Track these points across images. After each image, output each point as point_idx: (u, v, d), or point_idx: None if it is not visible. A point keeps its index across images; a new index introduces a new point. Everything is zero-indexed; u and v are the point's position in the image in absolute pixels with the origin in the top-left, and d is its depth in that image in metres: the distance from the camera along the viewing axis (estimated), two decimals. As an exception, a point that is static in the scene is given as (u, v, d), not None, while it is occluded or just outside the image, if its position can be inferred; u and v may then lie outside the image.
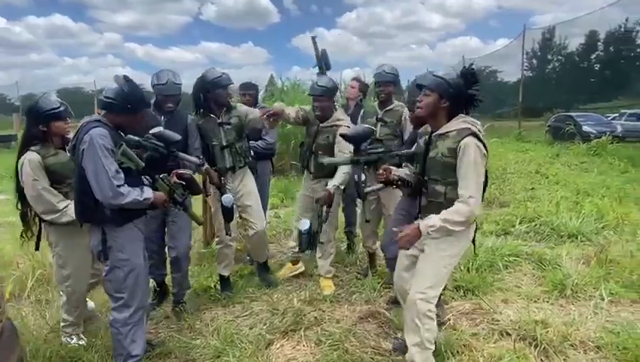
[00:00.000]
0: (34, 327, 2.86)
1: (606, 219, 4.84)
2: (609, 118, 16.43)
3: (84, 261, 2.64)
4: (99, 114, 2.19)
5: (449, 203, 2.09)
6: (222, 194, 3.09)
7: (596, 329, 2.71)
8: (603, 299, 3.07)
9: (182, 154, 2.70)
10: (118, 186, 2.02)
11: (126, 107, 2.16)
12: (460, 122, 2.10)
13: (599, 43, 28.14)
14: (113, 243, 2.15)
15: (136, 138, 2.44)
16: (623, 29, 26.00)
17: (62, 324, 2.71)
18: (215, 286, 3.43)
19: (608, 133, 12.34)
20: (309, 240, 3.07)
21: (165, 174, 2.40)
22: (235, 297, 3.32)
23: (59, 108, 2.50)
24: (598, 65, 28.37)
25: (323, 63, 3.86)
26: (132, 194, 2.07)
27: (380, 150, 2.57)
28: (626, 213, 4.94)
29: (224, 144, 3.21)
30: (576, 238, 4.41)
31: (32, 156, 2.43)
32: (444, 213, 2.04)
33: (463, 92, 2.11)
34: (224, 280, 3.43)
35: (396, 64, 3.48)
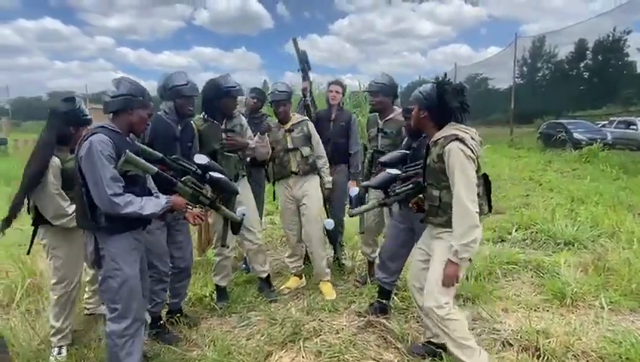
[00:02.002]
0: (23, 338, 2.76)
1: (601, 226, 4.85)
2: (599, 126, 16.64)
3: (78, 265, 2.63)
4: (109, 119, 2.13)
5: (444, 206, 2.23)
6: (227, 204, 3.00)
7: (598, 339, 2.69)
8: (603, 308, 3.06)
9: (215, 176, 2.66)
10: (114, 195, 1.94)
11: (139, 100, 2.12)
12: (449, 129, 2.22)
13: (588, 52, 28.60)
14: (106, 252, 2.07)
15: (160, 155, 2.34)
16: (611, 38, 26.48)
17: (50, 333, 2.64)
18: (211, 295, 3.35)
19: (599, 141, 12.49)
20: (337, 234, 3.67)
21: (188, 176, 2.33)
22: (231, 307, 3.25)
23: (88, 116, 2.59)
24: (587, 74, 28.82)
25: (305, 64, 3.87)
26: (131, 207, 1.98)
27: (406, 188, 2.57)
28: (621, 221, 4.96)
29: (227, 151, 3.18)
30: (573, 246, 4.41)
31: (54, 161, 2.48)
32: (454, 233, 2.12)
33: (441, 102, 2.22)
34: (221, 290, 3.36)
35: (388, 71, 3.53)
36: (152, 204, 2.07)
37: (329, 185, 3.55)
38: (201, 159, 2.49)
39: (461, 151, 2.11)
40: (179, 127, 2.80)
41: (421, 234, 2.81)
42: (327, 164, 3.56)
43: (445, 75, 2.31)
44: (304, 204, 3.45)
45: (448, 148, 2.13)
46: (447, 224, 2.20)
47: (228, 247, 3.13)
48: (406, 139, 3.03)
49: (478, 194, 2.14)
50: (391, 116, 3.34)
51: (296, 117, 3.53)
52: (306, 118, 3.59)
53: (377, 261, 3.18)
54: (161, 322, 2.84)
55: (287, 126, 3.46)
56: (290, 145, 3.42)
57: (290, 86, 3.59)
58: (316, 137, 3.50)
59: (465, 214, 2.08)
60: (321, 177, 3.53)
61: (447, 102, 2.21)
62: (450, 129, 2.21)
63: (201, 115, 3.21)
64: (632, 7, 15.71)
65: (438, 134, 2.25)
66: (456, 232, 2.10)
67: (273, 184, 3.67)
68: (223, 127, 3.18)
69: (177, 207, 2.21)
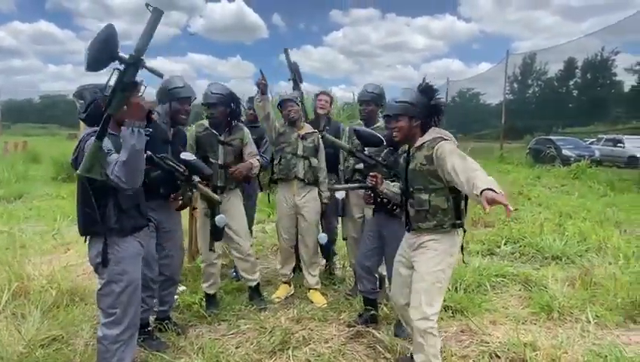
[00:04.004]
0: (8, 342, 2.71)
1: (589, 241, 4.93)
2: (587, 143, 16.93)
3: None
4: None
5: (433, 210, 2.21)
6: (211, 212, 3.01)
7: (584, 352, 2.72)
8: (589, 322, 3.09)
9: (204, 189, 2.76)
10: (112, 173, 1.87)
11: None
12: (432, 133, 2.26)
13: (577, 70, 29.15)
14: (112, 256, 2.07)
15: (149, 153, 2.31)
16: (599, 57, 27.05)
17: None
18: (200, 302, 3.33)
19: (587, 157, 12.71)
20: (330, 248, 3.80)
21: (165, 154, 2.42)
22: (220, 314, 3.23)
23: None
24: (576, 92, 29.35)
25: (295, 74, 3.89)
26: (125, 165, 1.85)
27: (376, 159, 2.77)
28: (608, 237, 5.03)
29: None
30: (561, 260, 4.47)
31: None
32: (474, 181, 1.89)
33: (427, 105, 2.27)
34: (210, 298, 3.34)
35: (381, 83, 3.58)
36: (128, 142, 1.86)
37: (326, 200, 3.56)
38: (187, 155, 2.55)
39: (452, 143, 2.17)
40: (171, 131, 2.83)
41: (391, 240, 2.86)
42: (327, 179, 3.57)
43: (424, 79, 2.31)
44: (303, 215, 3.49)
45: (438, 146, 2.14)
46: (437, 228, 2.20)
47: (214, 251, 3.20)
48: (385, 151, 3.01)
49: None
50: (377, 125, 3.40)
51: (307, 126, 3.58)
52: (316, 130, 3.60)
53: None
54: (149, 329, 2.81)
55: (302, 132, 3.49)
56: (300, 152, 3.44)
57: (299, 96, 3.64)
58: (323, 151, 3.55)
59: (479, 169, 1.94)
60: (320, 190, 3.55)
61: (436, 104, 2.28)
62: (434, 133, 2.25)
63: (202, 122, 3.28)
64: (618, 29, 16.12)
65: (422, 139, 2.26)
66: (476, 180, 1.88)
67: (269, 185, 3.67)
68: (222, 138, 3.20)
69: (137, 112, 1.90)
